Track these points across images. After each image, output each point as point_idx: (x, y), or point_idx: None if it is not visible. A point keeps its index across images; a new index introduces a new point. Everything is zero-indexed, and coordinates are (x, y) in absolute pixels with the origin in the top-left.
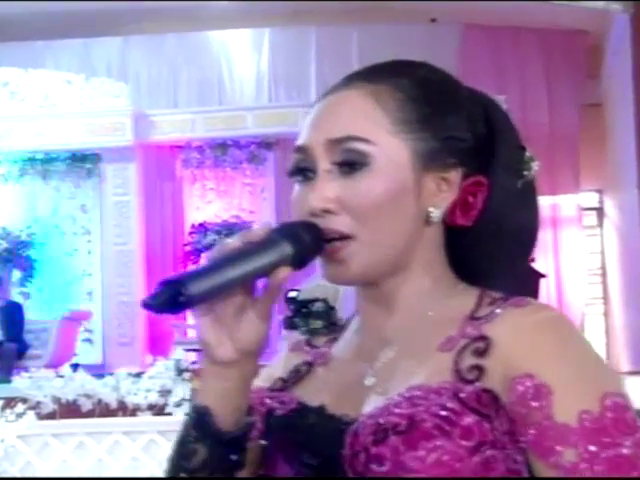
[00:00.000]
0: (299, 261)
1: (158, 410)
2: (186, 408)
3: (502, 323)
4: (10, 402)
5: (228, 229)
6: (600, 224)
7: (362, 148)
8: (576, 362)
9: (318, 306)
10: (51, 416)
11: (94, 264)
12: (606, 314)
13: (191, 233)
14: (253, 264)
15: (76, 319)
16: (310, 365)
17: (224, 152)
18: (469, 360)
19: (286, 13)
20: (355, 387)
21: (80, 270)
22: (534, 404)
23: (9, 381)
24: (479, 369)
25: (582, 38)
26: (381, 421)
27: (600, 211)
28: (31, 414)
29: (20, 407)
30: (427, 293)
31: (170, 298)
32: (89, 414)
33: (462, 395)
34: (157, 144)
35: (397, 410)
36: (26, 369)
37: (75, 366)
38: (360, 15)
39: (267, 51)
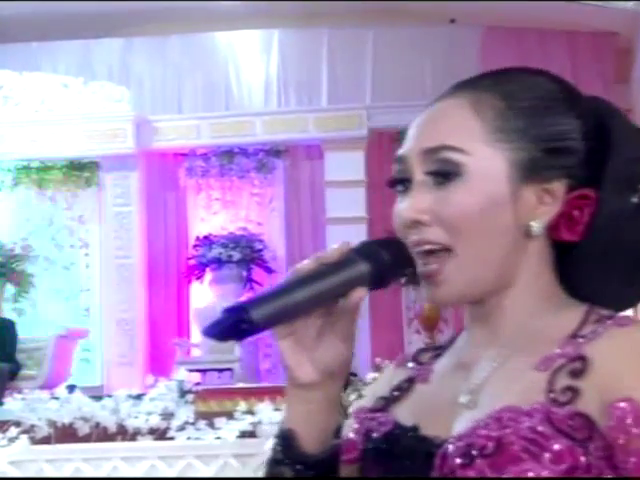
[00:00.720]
0: (378, 281)
1: (160, 434)
2: (189, 432)
3: (602, 343)
4: (2, 426)
5: (234, 242)
6: None
7: (455, 158)
8: None
9: None
10: (46, 440)
11: (92, 279)
12: None
13: (195, 246)
14: (325, 286)
15: (73, 337)
16: (411, 382)
17: (231, 160)
18: (564, 381)
19: (297, 13)
20: (449, 405)
21: (77, 285)
22: (635, 431)
23: (1, 403)
24: (574, 391)
25: (611, 40)
26: (469, 443)
27: None
28: (24, 438)
29: (13, 431)
30: (532, 309)
31: (233, 325)
32: (86, 438)
33: (554, 418)
34: (160, 151)
35: (485, 432)
36: (19, 390)
37: (71, 387)
38: (375, 16)
39: (276, 54)
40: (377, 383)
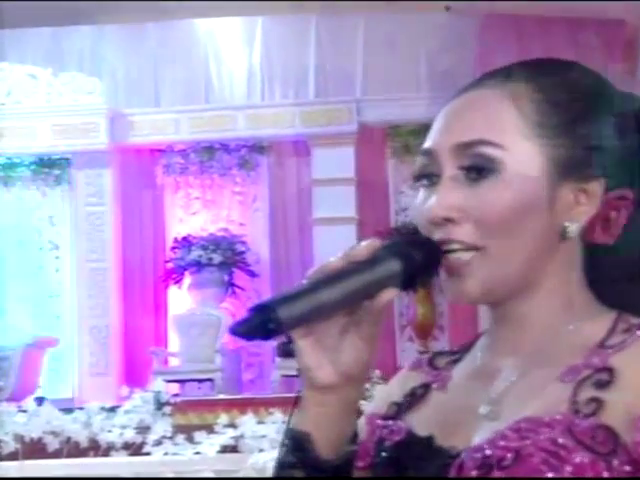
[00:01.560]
0: (408, 281)
1: (135, 450)
2: (167, 447)
3: (631, 354)
4: None
5: (215, 244)
6: None
7: (491, 153)
8: None
9: None
10: (13, 457)
11: (63, 284)
12: None
13: (173, 248)
14: (354, 285)
15: (42, 346)
16: (427, 387)
17: (211, 157)
18: (588, 392)
19: None
20: (468, 415)
21: (47, 291)
22: None
23: None
24: (598, 402)
25: (618, 29)
26: (487, 454)
27: None
28: None
29: None
30: (558, 315)
31: (261, 324)
32: (56, 454)
33: (576, 430)
34: (135, 147)
35: (503, 443)
36: None
37: (40, 400)
38: (367, 2)
39: (260, 43)
40: (389, 387)
